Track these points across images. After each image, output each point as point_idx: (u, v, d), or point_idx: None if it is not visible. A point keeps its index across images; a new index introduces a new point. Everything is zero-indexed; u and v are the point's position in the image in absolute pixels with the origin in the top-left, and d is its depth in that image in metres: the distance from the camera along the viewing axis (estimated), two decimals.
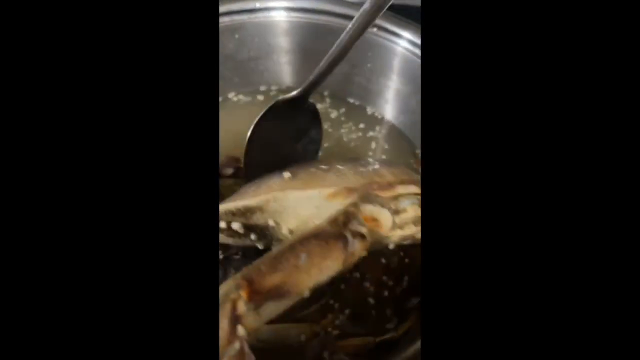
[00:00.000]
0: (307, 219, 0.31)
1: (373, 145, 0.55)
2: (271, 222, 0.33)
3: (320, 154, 0.49)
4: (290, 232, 0.33)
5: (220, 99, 0.58)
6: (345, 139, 0.55)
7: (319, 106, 0.56)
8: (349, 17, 0.56)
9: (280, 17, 0.55)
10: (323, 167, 0.35)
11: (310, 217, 0.31)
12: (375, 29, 0.56)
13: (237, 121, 0.55)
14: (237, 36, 0.55)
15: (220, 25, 0.53)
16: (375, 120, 0.59)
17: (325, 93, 0.61)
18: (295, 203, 0.31)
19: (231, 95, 0.59)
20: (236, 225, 0.33)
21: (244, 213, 0.32)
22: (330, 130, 0.56)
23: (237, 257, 0.35)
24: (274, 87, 0.61)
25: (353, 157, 0.52)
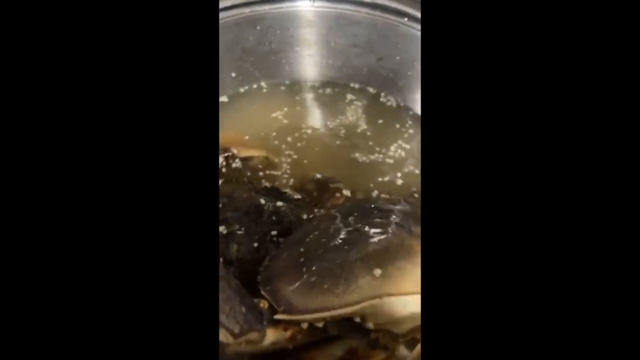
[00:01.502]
0: (401, 320, 0.30)
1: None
2: (357, 319, 0.31)
3: None
4: (375, 325, 0.31)
5: (242, 90, 0.56)
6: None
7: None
8: (376, 6, 0.52)
9: (304, 7, 0.53)
10: (403, 248, 0.31)
11: (405, 319, 0.30)
12: (406, 19, 0.51)
13: (258, 112, 0.54)
14: (258, 28, 0.53)
15: (240, 16, 0.51)
16: (403, 114, 0.54)
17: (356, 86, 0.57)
18: (390, 307, 0.30)
19: (254, 86, 0.57)
20: (320, 323, 0.31)
21: (337, 317, 0.30)
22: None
23: None
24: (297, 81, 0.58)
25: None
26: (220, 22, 0.50)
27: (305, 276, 0.30)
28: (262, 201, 0.41)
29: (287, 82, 0.58)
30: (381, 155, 0.50)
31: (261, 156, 0.49)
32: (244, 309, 0.29)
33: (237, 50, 0.54)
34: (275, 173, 0.48)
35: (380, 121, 0.53)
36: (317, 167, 0.49)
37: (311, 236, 0.35)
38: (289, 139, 0.51)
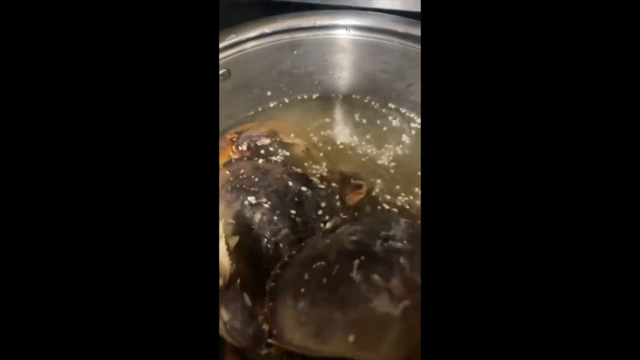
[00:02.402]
0: None
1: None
2: None
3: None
4: None
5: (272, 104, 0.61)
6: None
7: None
8: (409, 36, 0.55)
9: (339, 35, 0.56)
10: (382, 320, 0.35)
11: None
12: None
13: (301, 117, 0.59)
14: (295, 52, 0.56)
15: (279, 42, 0.54)
16: None
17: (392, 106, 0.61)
18: None
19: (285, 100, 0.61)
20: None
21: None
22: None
23: None
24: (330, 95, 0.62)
25: None
26: (261, 47, 0.54)
27: (298, 312, 0.35)
28: (290, 183, 0.48)
29: (318, 95, 0.61)
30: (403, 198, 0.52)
31: (302, 145, 0.55)
32: (250, 331, 0.35)
33: (273, 72, 0.58)
34: (309, 163, 0.54)
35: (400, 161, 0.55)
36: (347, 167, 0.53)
37: (318, 264, 0.38)
38: (324, 145, 0.56)
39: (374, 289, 0.35)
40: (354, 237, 0.40)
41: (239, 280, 0.37)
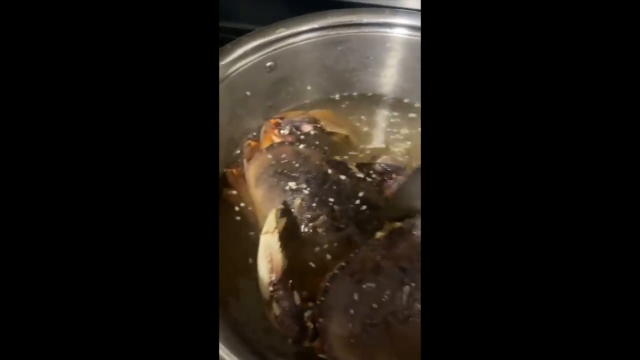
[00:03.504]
0: None
1: None
2: None
3: None
4: None
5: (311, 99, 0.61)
6: None
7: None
8: None
9: (385, 33, 0.56)
10: None
11: None
12: None
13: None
14: (340, 48, 0.56)
15: (325, 37, 0.55)
16: None
17: None
18: None
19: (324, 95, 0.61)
20: None
21: None
22: None
23: None
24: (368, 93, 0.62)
25: None
26: (307, 42, 0.55)
27: (348, 333, 0.37)
28: (329, 171, 0.49)
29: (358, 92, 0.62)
30: None
31: (342, 134, 0.55)
32: (297, 328, 0.38)
33: (316, 67, 0.58)
34: (350, 152, 0.55)
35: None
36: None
37: (368, 286, 0.39)
38: (364, 139, 0.57)
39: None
40: (402, 253, 0.41)
41: (290, 281, 0.39)
